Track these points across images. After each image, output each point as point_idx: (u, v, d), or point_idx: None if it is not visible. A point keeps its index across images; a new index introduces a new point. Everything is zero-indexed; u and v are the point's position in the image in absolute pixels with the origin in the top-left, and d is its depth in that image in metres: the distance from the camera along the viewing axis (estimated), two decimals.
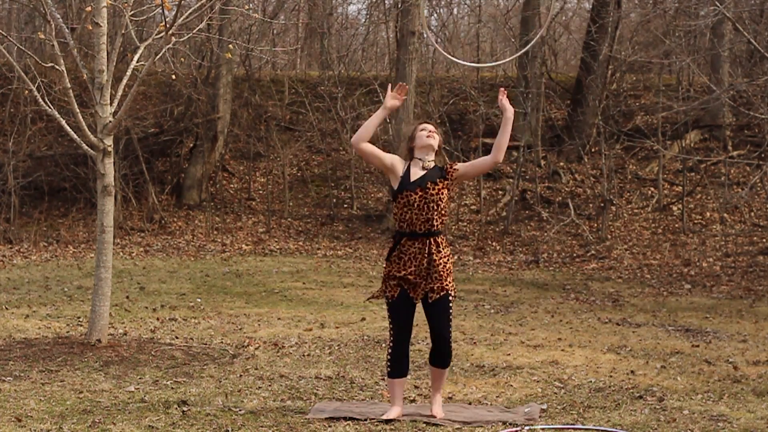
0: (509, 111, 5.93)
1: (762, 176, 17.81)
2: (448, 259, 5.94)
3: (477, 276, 14.87)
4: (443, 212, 5.94)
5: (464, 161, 19.82)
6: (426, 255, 5.87)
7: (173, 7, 8.20)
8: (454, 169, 5.98)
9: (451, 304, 5.93)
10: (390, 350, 5.99)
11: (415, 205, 5.88)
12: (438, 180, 5.92)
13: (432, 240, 5.89)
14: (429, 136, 6.00)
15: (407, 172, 5.97)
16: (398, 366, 5.97)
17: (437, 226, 5.90)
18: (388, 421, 5.84)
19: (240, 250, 17.35)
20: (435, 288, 5.88)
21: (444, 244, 5.95)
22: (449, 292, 5.91)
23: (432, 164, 6.00)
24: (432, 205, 5.88)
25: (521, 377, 7.31)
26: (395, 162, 6.02)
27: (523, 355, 8.21)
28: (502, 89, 6.02)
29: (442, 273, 5.88)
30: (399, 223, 5.96)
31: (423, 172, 5.95)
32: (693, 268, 15.36)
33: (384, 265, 6.03)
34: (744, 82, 17.57)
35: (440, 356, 5.97)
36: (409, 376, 7.25)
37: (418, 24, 19.67)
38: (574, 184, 20.21)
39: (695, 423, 5.92)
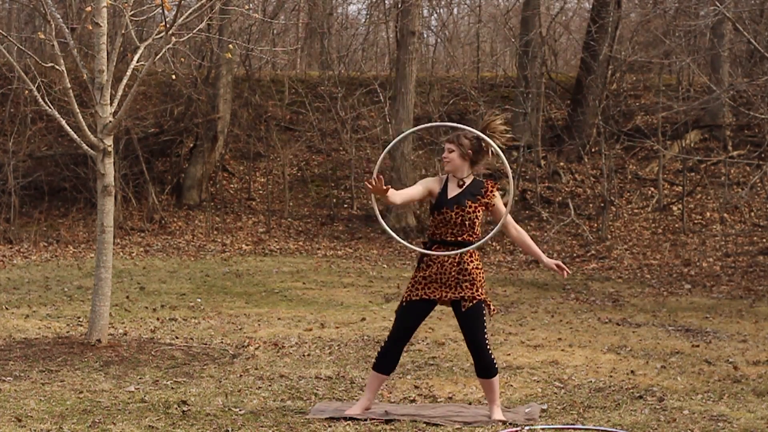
0: (550, 265, 6.07)
1: (762, 176, 17.81)
2: (480, 270, 5.96)
3: None
4: (475, 228, 5.97)
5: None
6: (456, 263, 5.90)
7: (173, 7, 8.20)
8: (492, 194, 5.98)
9: (485, 314, 5.92)
10: (384, 345, 6.00)
11: (452, 221, 5.92)
12: (477, 197, 5.95)
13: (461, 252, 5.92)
14: (442, 161, 6.04)
15: (444, 188, 6.00)
16: (387, 363, 5.98)
17: (469, 238, 5.93)
18: (388, 421, 5.84)
19: (240, 250, 17.35)
20: (467, 296, 5.88)
21: (476, 256, 5.97)
22: (482, 299, 5.91)
23: (470, 179, 6.00)
24: (468, 222, 5.92)
25: (521, 377, 7.31)
26: (430, 185, 6.01)
27: (523, 355, 8.21)
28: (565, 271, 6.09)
29: (475, 281, 5.90)
30: (433, 231, 5.99)
31: (459, 189, 5.97)
32: (693, 268, 15.36)
33: (413, 273, 6.05)
34: (744, 82, 17.57)
35: (481, 367, 5.94)
36: (409, 377, 7.26)
37: (418, 24, 19.68)
38: (574, 184, 20.21)
39: (695, 423, 5.92)
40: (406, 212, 18.86)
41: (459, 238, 5.92)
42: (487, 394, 6.04)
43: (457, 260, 5.90)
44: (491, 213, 6.08)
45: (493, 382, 5.97)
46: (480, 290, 5.92)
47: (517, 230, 6.13)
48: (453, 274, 5.89)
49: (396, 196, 5.81)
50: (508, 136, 6.08)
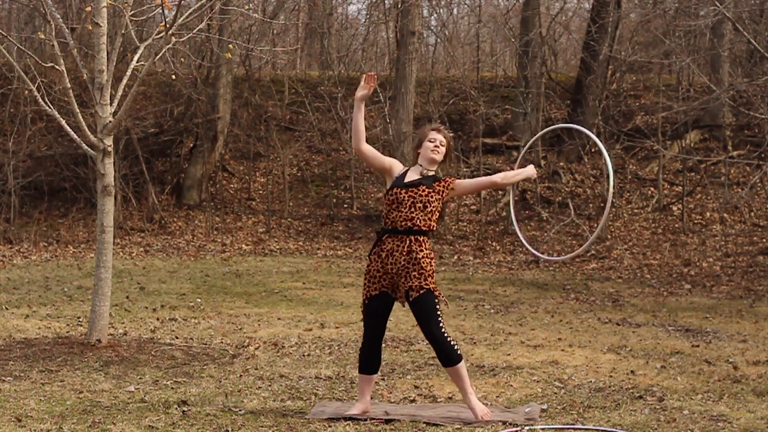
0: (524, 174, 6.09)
1: (762, 176, 17.81)
2: (430, 260, 5.88)
3: (477, 276, 14.87)
4: (430, 215, 5.89)
5: (465, 161, 19.96)
6: (405, 252, 5.85)
7: (173, 7, 8.20)
8: (450, 187, 5.97)
9: (436, 302, 5.85)
10: (361, 347, 6.01)
11: (402, 202, 5.89)
12: (433, 184, 5.94)
13: (413, 238, 5.86)
14: (434, 150, 6.02)
15: (403, 174, 6.01)
16: (367, 362, 5.98)
17: (421, 225, 5.87)
18: (388, 421, 5.84)
19: (240, 250, 17.35)
20: (414, 286, 5.82)
21: (426, 245, 5.90)
22: (430, 288, 5.84)
23: (431, 173, 6.03)
24: (419, 204, 5.87)
25: (521, 377, 7.31)
26: (394, 165, 6.10)
27: (523, 355, 8.21)
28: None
29: (423, 271, 5.83)
30: (384, 220, 6.02)
31: (418, 177, 5.99)
32: (693, 268, 15.36)
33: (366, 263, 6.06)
34: (744, 82, 17.57)
35: (440, 355, 5.89)
36: (409, 377, 7.26)
37: (418, 24, 19.68)
38: (574, 184, 20.21)
39: (695, 423, 5.92)
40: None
41: (410, 224, 5.86)
42: (456, 383, 5.97)
43: (407, 249, 5.85)
44: (457, 195, 6.08)
45: (458, 369, 5.88)
46: (428, 279, 5.84)
47: (479, 180, 6.25)
48: (402, 263, 5.84)
49: (367, 146, 6.12)
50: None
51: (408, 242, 5.86)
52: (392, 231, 5.89)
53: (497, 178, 6.16)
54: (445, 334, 5.87)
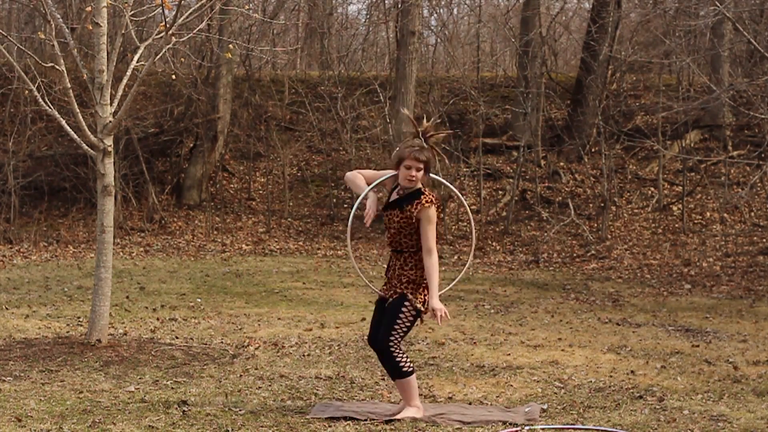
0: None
1: (762, 176, 17.80)
2: (413, 276, 5.88)
3: (477, 276, 14.87)
4: (413, 236, 5.88)
5: (465, 161, 19.96)
6: (396, 270, 5.96)
7: (173, 7, 8.20)
8: (419, 208, 5.82)
9: (403, 307, 5.86)
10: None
11: (387, 225, 5.99)
12: (406, 207, 5.88)
13: (401, 256, 5.95)
14: (409, 179, 5.87)
15: (391, 191, 6.07)
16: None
17: (405, 246, 5.92)
18: (388, 421, 5.84)
19: (240, 250, 17.34)
20: (393, 295, 5.94)
21: (413, 263, 5.89)
22: (406, 294, 5.86)
23: (410, 190, 5.94)
24: (396, 227, 5.93)
25: (521, 377, 7.31)
26: (387, 181, 6.13)
27: (523, 355, 8.22)
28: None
29: (403, 285, 5.90)
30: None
31: (398, 196, 6.00)
32: (693, 268, 15.36)
33: None
34: (744, 82, 17.57)
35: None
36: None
37: (418, 24, 19.68)
38: (574, 184, 20.20)
39: (695, 423, 5.92)
40: None
41: (395, 247, 5.98)
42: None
43: (397, 266, 5.96)
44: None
45: (397, 383, 6.06)
46: (406, 288, 5.90)
47: (428, 261, 5.84)
48: (393, 279, 6.00)
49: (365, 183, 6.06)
50: (443, 134, 6.12)
51: (397, 260, 5.99)
52: (390, 250, 6.05)
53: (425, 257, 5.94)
54: (389, 341, 5.89)
